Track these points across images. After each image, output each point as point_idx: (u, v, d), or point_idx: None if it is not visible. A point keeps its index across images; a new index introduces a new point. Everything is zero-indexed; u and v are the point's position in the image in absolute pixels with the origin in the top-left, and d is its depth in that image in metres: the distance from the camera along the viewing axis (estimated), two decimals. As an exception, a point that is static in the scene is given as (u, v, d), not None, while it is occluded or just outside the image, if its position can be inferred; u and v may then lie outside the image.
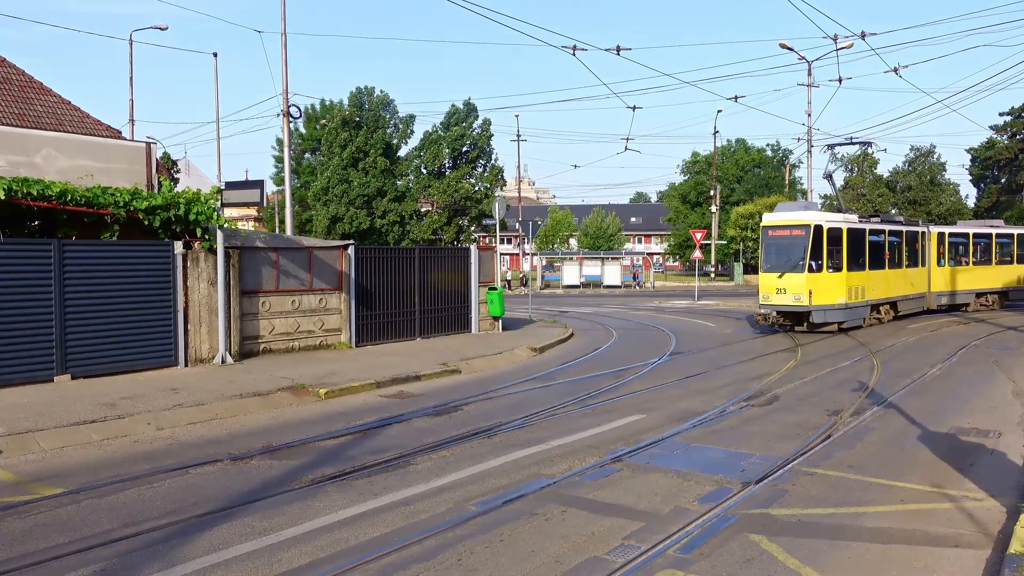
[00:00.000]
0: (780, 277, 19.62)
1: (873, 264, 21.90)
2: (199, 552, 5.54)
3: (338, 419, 10.19)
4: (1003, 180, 66.31)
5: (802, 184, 56.90)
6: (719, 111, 67.89)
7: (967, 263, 26.96)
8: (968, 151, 68.53)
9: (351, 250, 17.03)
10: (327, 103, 61.35)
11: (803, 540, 5.73)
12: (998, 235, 28.13)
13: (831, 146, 24.41)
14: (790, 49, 29.96)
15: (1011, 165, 64.31)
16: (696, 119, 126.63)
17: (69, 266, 12.17)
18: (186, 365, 13.66)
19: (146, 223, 13.38)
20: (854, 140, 23.37)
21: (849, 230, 20.60)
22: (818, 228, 19.56)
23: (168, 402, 10.62)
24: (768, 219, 21.04)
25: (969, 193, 73.38)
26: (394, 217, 57.00)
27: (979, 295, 27.32)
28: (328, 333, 16.63)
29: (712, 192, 61.99)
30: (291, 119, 25.32)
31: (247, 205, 15.44)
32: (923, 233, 25.46)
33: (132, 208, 13.15)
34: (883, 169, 71.37)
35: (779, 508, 6.44)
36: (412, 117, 61.05)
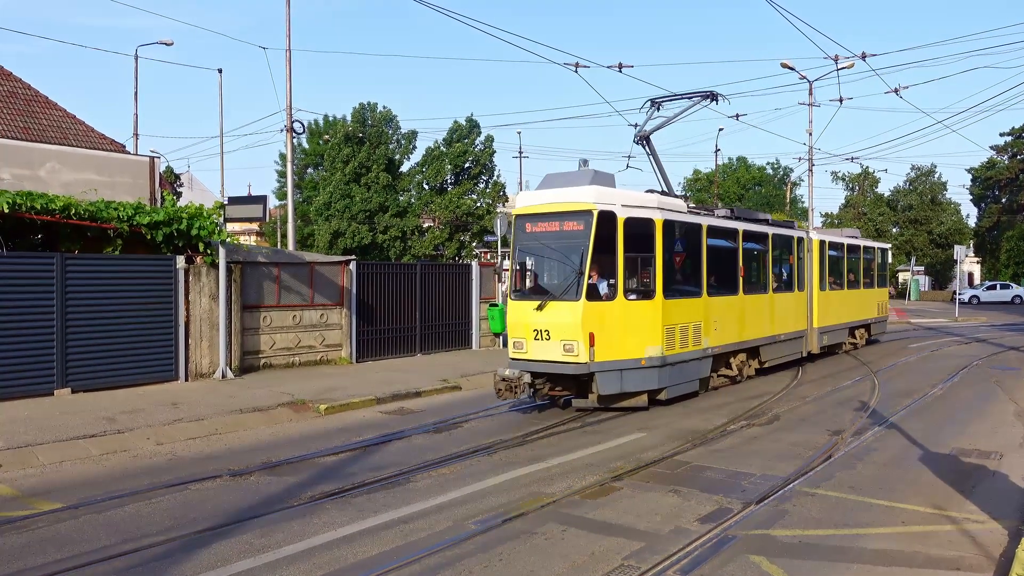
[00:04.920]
0: (540, 309, 11.01)
1: (719, 286, 13.70)
2: (197, 569, 5.52)
3: (338, 435, 10.17)
4: (1004, 200, 66.47)
5: (803, 203, 57.12)
6: (720, 129, 68.43)
7: (841, 285, 19.93)
8: (969, 171, 68.76)
9: (353, 265, 17.07)
10: (330, 118, 61.68)
11: (803, 561, 5.70)
12: (864, 248, 22.00)
13: (654, 100, 14.26)
14: (791, 69, 30.11)
15: (1012, 185, 64.50)
16: (697, 137, 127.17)
17: (71, 280, 12.20)
18: (186, 380, 13.65)
19: (149, 237, 13.43)
20: (692, 94, 14.11)
21: (670, 225, 12.01)
22: (607, 218, 10.97)
23: (168, 417, 10.60)
24: (525, 202, 12.02)
25: (970, 213, 73.53)
26: (396, 232, 57.10)
27: (851, 329, 20.66)
28: (329, 348, 16.62)
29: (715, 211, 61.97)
30: (294, 134, 25.45)
31: (250, 220, 15.48)
32: (800, 240, 17.39)
33: (135, 222, 13.20)
34: (884, 189, 71.39)
35: (780, 529, 6.41)
36: (414, 133, 61.30)
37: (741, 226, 14.67)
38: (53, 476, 8.17)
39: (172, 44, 33.92)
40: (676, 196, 13.66)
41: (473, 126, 60.14)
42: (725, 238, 14.14)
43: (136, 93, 35.81)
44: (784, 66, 30.11)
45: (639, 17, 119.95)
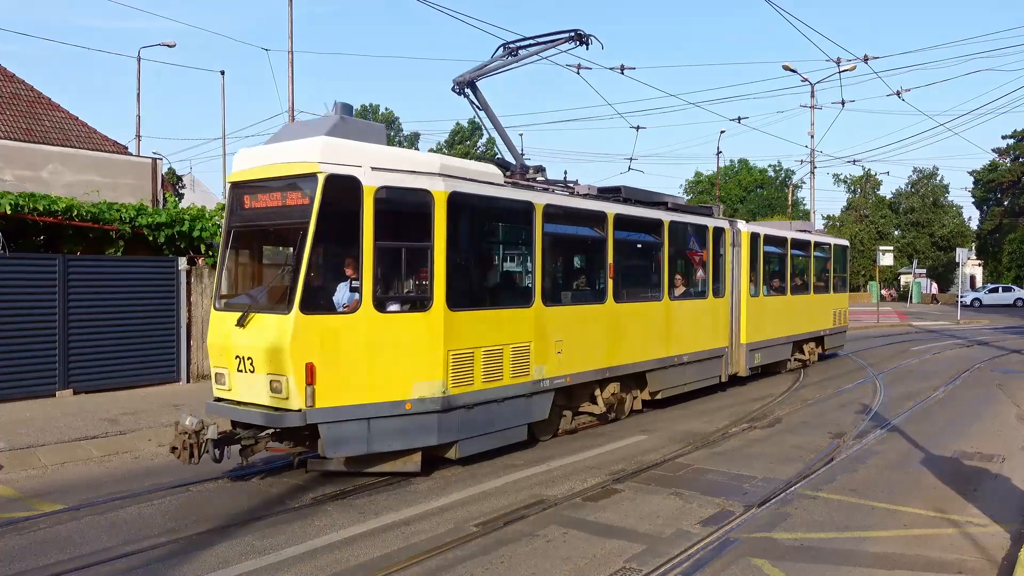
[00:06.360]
0: (241, 325, 7.50)
1: (570, 290, 10.73)
2: (198, 571, 5.52)
3: (339, 437, 10.13)
4: (1006, 203, 66.44)
5: (805, 205, 57.16)
6: (722, 131, 68.01)
7: (783, 290, 16.29)
8: (971, 173, 68.77)
9: (354, 267, 17.01)
10: (332, 120, 61.77)
11: (806, 565, 5.69)
12: (816, 244, 18.15)
13: (507, 45, 11.05)
14: (793, 71, 30.12)
15: (1014, 188, 64.44)
16: (699, 139, 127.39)
17: (73, 281, 12.21)
18: (188, 381, 13.66)
19: (151, 239, 13.46)
20: (554, 35, 10.90)
21: (465, 201, 8.25)
22: (342, 186, 7.38)
23: (170, 418, 10.59)
24: (241, 164, 8.09)
25: (972, 215, 73.58)
26: (397, 234, 57.18)
27: (797, 343, 17.17)
28: (330, 350, 16.59)
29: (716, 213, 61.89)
30: (296, 136, 25.43)
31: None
32: (719, 231, 13.58)
33: (137, 224, 13.23)
34: (886, 191, 71.47)
35: (781, 532, 6.40)
36: (417, 135, 61.58)
37: (611, 208, 10.59)
38: (55, 477, 8.18)
39: (175, 46, 34.00)
40: (500, 163, 10.11)
41: (475, 128, 60.34)
42: (582, 224, 10.45)
43: (139, 94, 35.97)
44: (786, 68, 30.13)
45: (641, 19, 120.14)
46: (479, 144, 60.01)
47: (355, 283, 7.65)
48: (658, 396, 11.87)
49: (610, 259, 10.52)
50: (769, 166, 76.99)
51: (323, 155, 7.36)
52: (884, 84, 78.03)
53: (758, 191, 74.74)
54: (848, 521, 6.68)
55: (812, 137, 32.19)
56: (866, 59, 26.03)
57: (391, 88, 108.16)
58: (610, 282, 10.51)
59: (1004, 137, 65.53)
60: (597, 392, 10.59)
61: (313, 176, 7.30)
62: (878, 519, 6.76)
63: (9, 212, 11.70)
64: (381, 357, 7.53)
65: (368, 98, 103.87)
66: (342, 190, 7.36)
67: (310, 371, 7.17)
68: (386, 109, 60.52)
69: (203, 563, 5.67)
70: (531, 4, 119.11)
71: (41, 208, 12.08)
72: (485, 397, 8.41)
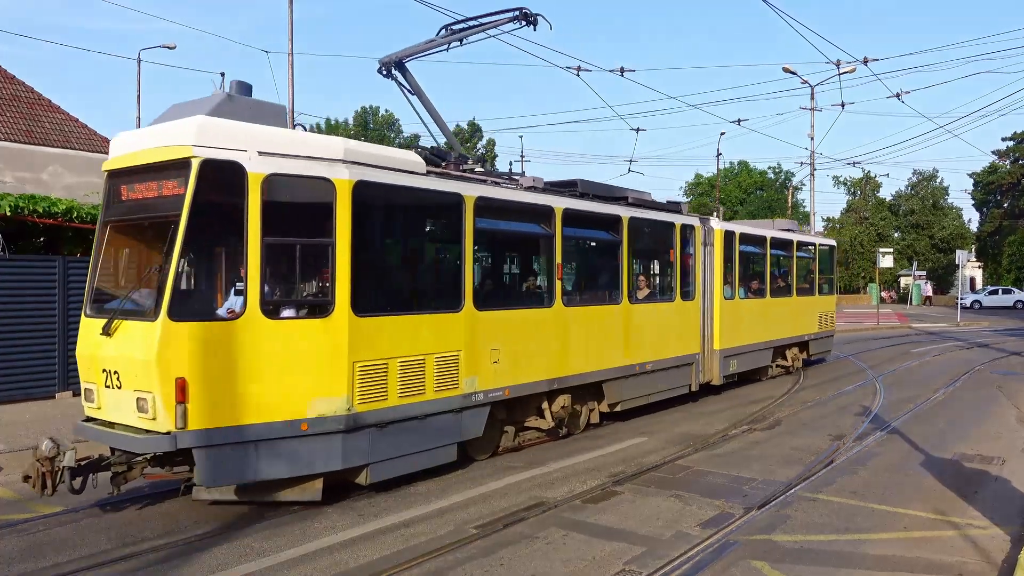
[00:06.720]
0: (107, 334, 6.57)
1: (512, 293, 10.48)
2: (196, 573, 5.52)
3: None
4: (1006, 205, 66.40)
5: (805, 207, 57.17)
6: (722, 134, 68.26)
7: (762, 292, 15.47)
8: (971, 175, 68.77)
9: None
10: (332, 122, 61.82)
11: (806, 567, 5.68)
12: (800, 244, 17.40)
13: (450, 26, 10.11)
14: (793, 73, 30.13)
15: (1014, 190, 64.41)
16: (699, 141, 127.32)
17: (73, 283, 12.19)
18: (188, 383, 13.63)
19: (151, 241, 13.44)
20: (499, 14, 10.10)
21: (376, 192, 7.36)
22: (221, 173, 6.45)
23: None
24: (117, 150, 7.18)
25: (972, 218, 73.56)
26: (397, 236, 57.15)
27: (779, 349, 16.38)
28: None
29: (715, 214, 61.88)
30: (296, 138, 25.38)
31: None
32: (689, 229, 12.63)
33: (137, 226, 13.22)
34: (885, 193, 71.48)
35: (781, 534, 6.40)
36: (417, 137, 61.51)
37: (559, 203, 9.62)
38: (54, 479, 8.16)
39: (175, 48, 34.09)
40: (436, 152, 9.19)
41: (475, 130, 60.33)
42: (525, 219, 9.56)
43: (139, 96, 36.09)
44: (786, 70, 30.14)
45: (641, 21, 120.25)
46: (479, 146, 59.97)
47: (240, 285, 6.68)
48: (617, 408, 10.93)
49: (558, 258, 9.53)
50: (769, 168, 77.00)
51: (199, 138, 6.43)
52: (884, 86, 78.22)
53: (758, 193, 74.74)
54: (848, 523, 6.67)
55: (812, 139, 32.23)
56: (866, 61, 26.04)
57: (392, 89, 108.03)
58: (558, 283, 9.54)
59: (1004, 139, 65.48)
60: (545, 405, 9.60)
61: (186, 162, 6.38)
62: (878, 521, 6.75)
63: (9, 214, 11.71)
64: (271, 370, 6.58)
65: (369, 100, 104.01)
66: (222, 177, 6.45)
67: (180, 387, 6.19)
68: (386, 111, 60.47)
69: (202, 565, 5.66)
70: (531, 5, 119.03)
71: (41, 210, 12.09)
72: (402, 414, 7.45)
